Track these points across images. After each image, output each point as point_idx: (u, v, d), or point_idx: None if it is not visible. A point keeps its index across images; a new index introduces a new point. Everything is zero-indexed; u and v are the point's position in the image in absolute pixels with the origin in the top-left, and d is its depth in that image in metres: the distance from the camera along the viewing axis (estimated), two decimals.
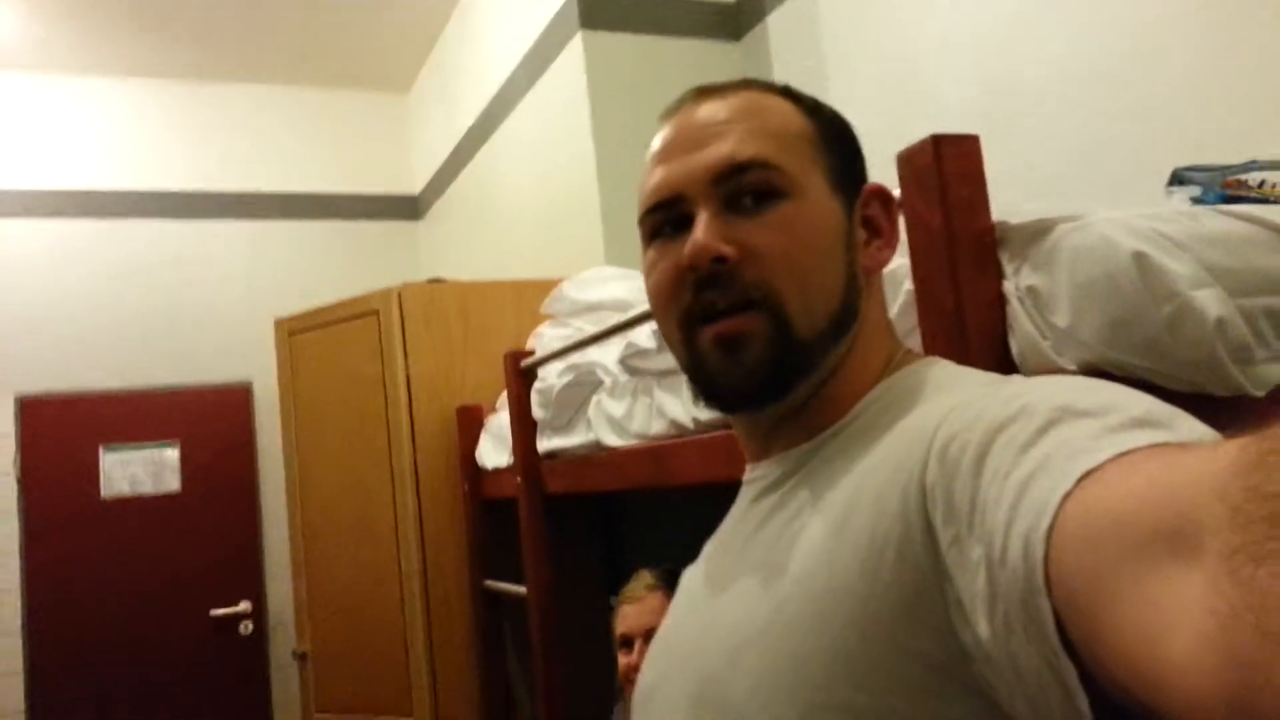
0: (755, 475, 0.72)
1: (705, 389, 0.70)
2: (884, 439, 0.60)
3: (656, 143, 0.72)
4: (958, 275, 0.95)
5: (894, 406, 0.63)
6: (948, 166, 0.96)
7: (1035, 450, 0.45)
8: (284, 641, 3.95)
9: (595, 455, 1.88)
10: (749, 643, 0.59)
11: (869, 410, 0.66)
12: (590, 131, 2.91)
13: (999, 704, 0.48)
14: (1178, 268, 0.83)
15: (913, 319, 1.02)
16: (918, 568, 0.51)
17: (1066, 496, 0.41)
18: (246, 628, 4.19)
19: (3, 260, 4.09)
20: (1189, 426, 0.45)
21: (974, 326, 0.95)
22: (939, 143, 0.96)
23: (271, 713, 4.15)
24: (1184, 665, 0.34)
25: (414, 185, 4.83)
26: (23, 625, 3.91)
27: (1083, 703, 0.41)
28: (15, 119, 4.19)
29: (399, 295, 2.68)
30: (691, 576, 0.76)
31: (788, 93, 0.73)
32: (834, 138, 0.71)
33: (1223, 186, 1.15)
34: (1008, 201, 1.00)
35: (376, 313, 2.70)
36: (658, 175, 0.70)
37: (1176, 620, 0.35)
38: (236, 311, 4.30)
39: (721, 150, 0.66)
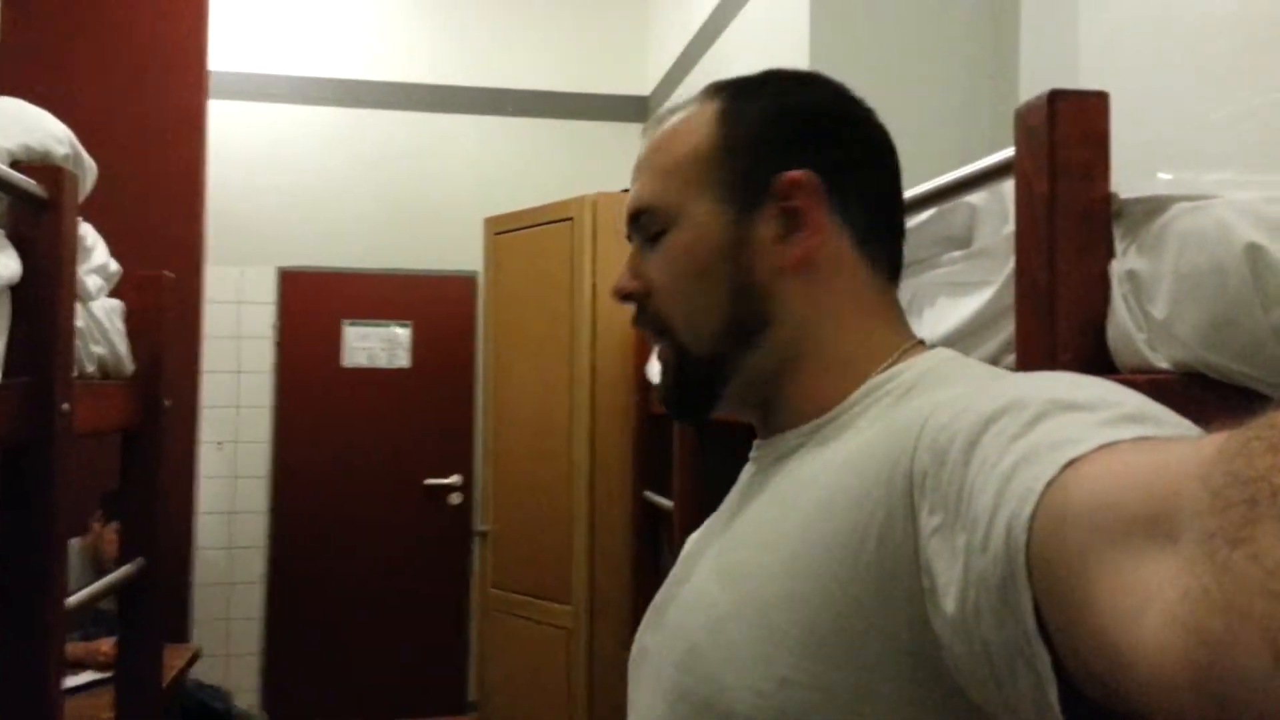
0: (757, 453, 0.72)
1: (660, 402, 0.76)
2: (876, 427, 0.61)
3: None
4: (1056, 250, 0.86)
5: (890, 396, 0.63)
6: (1063, 127, 0.87)
7: (1023, 441, 0.45)
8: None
9: None
10: (730, 616, 0.60)
11: (866, 398, 0.65)
12: (807, 49, 2.80)
13: (967, 690, 0.49)
14: None
15: (1012, 296, 0.94)
16: (897, 554, 0.52)
17: (1050, 484, 0.41)
18: (456, 499, 4.57)
19: (273, 142, 4.51)
20: (1179, 424, 0.45)
21: (1066, 309, 0.87)
22: (1055, 99, 0.86)
23: (469, 581, 4.54)
24: (1152, 645, 0.34)
25: (645, 86, 4.85)
26: (269, 471, 4.46)
27: (1052, 691, 0.41)
28: (285, 9, 4.56)
29: (594, 203, 2.74)
30: (691, 543, 0.77)
31: (727, 92, 0.71)
32: (746, 139, 0.68)
33: None
34: (1152, 171, 0.89)
35: (571, 219, 2.78)
36: None
37: (1149, 602, 0.35)
38: (468, 204, 4.54)
39: (632, 193, 0.73)
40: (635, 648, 0.73)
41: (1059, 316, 0.86)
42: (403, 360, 4.61)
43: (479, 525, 3.16)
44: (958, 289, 1.13)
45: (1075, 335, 0.86)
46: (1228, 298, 0.74)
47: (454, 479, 4.55)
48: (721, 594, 0.63)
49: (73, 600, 1.20)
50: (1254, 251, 0.73)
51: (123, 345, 1.46)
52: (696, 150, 0.69)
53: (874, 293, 0.69)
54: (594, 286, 2.73)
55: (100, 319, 1.37)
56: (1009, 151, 0.92)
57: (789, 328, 0.67)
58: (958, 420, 0.51)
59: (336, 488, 4.47)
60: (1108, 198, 0.87)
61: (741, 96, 0.70)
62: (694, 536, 0.78)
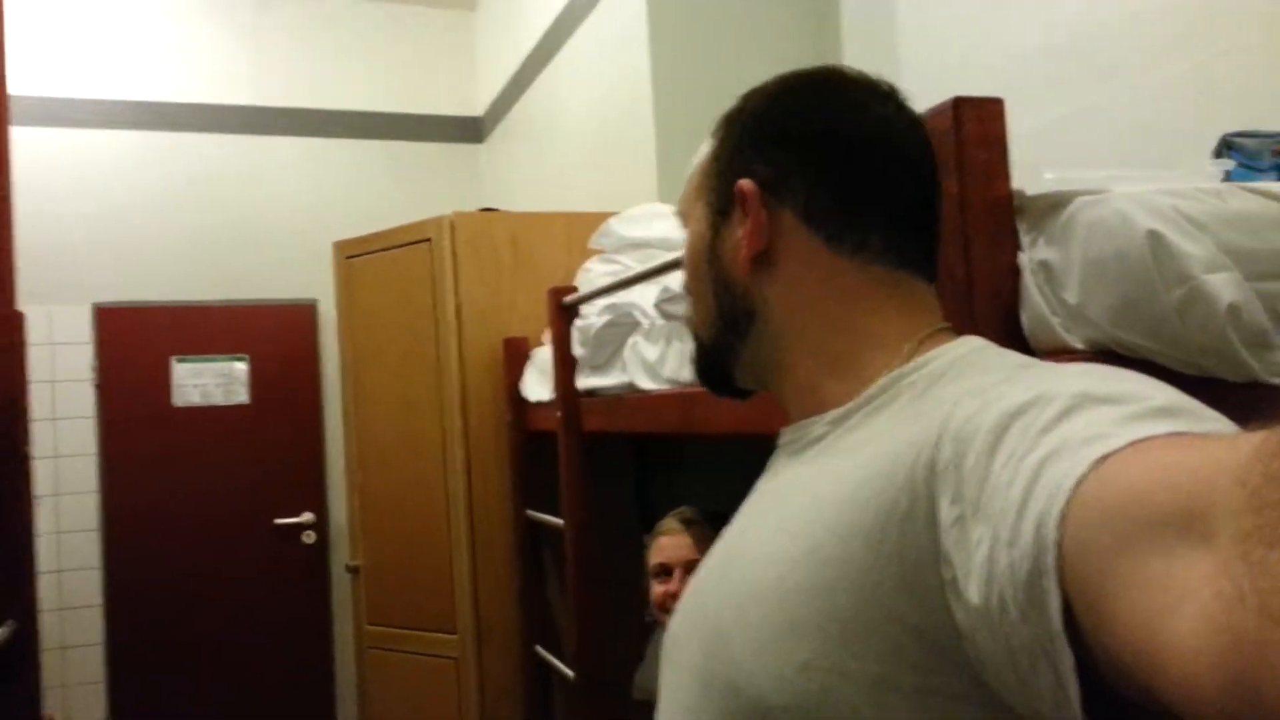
0: (786, 439, 0.74)
1: None
2: (902, 417, 0.61)
3: None
4: (970, 244, 0.93)
5: (916, 386, 0.64)
6: (967, 130, 0.93)
7: (1052, 435, 0.45)
8: (344, 553, 4.12)
9: (629, 396, 1.90)
10: (755, 600, 0.61)
11: (891, 388, 0.66)
12: (649, 63, 2.87)
13: (988, 682, 0.49)
14: (1192, 249, 0.80)
15: None
16: (918, 543, 0.52)
17: (1081, 480, 0.41)
18: (309, 537, 4.38)
19: (80, 169, 4.21)
20: (1211, 418, 0.45)
21: (983, 298, 0.93)
22: (959, 105, 0.93)
23: (332, 620, 4.36)
24: (1184, 645, 0.34)
25: (477, 107, 4.82)
26: (99, 525, 4.14)
27: (1073, 691, 0.41)
28: (90, 30, 4.27)
29: (451, 223, 2.71)
30: (727, 531, 0.78)
31: (730, 113, 0.77)
32: (726, 151, 0.75)
33: (1274, 155, 1.10)
34: (1037, 166, 0.97)
35: (429, 240, 2.73)
36: None
37: (1182, 601, 0.35)
38: (302, 230, 4.38)
39: None
40: (668, 635, 0.75)
41: (976, 305, 0.93)
42: (241, 396, 4.39)
43: (349, 560, 3.04)
44: None
45: (993, 321, 0.93)
46: (1133, 280, 0.82)
47: (306, 516, 4.36)
48: (746, 580, 0.64)
49: None
50: (1154, 238, 0.81)
51: None
52: (702, 162, 0.78)
53: (869, 283, 0.70)
54: (458, 306, 2.70)
55: None
56: None
57: (773, 321, 0.72)
58: (984, 411, 0.51)
59: (178, 536, 4.19)
60: (1010, 194, 0.94)
61: (730, 115, 0.77)
62: (730, 525, 0.78)
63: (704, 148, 0.79)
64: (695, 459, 2.55)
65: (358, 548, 3.01)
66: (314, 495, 4.40)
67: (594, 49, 3.34)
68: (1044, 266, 0.90)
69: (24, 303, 3.59)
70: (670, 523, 1.87)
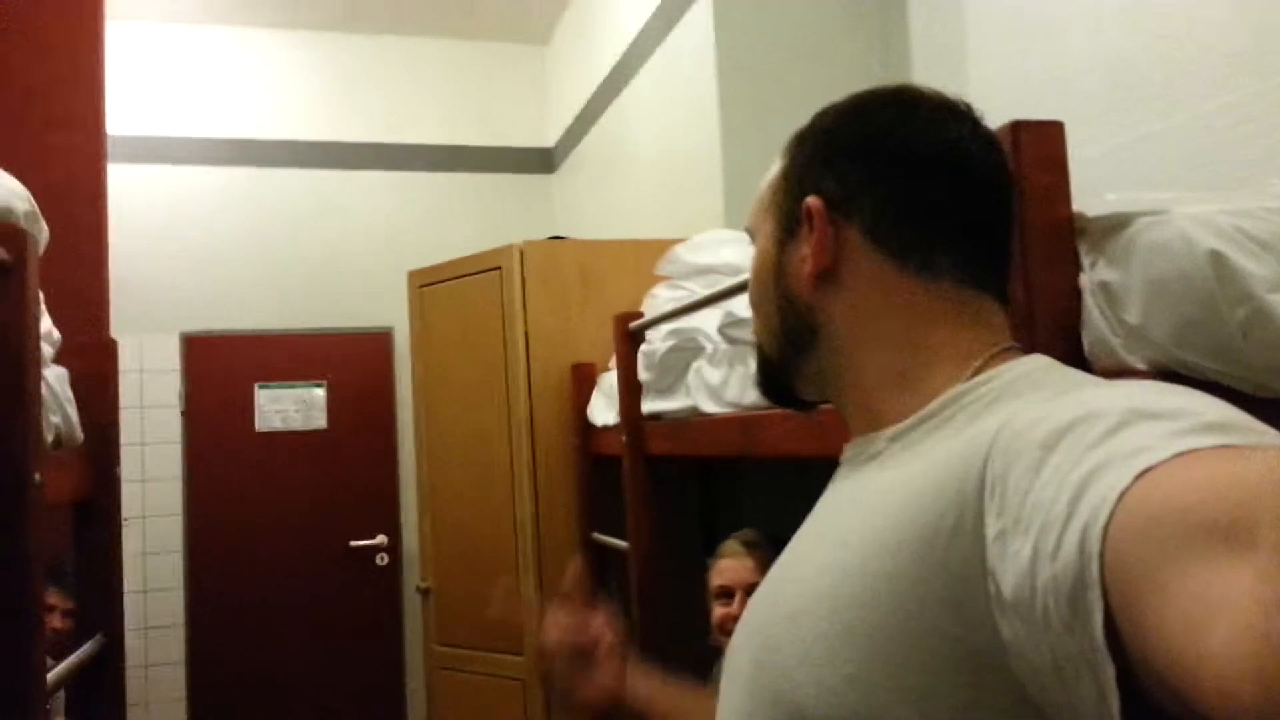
0: (847, 454, 0.75)
1: None
2: (956, 435, 0.61)
3: None
4: (1030, 266, 0.93)
5: (978, 404, 0.64)
6: (1026, 153, 0.94)
7: (1099, 450, 0.45)
8: (415, 575, 4.19)
9: (693, 420, 1.92)
10: (806, 611, 0.62)
11: (951, 406, 0.65)
12: (716, 92, 2.90)
13: (1031, 696, 0.49)
14: (1255, 268, 0.79)
15: None
16: (964, 558, 0.52)
17: (1125, 492, 0.41)
18: (382, 559, 4.46)
19: (173, 204, 4.40)
20: (1261, 433, 0.45)
21: (1044, 320, 0.93)
22: (1018, 129, 0.94)
23: (403, 641, 4.43)
24: (1222, 653, 0.34)
25: (549, 139, 4.92)
26: (184, 545, 4.28)
27: (1114, 703, 0.41)
28: (184, 70, 4.48)
29: (520, 252, 2.76)
30: (788, 546, 0.79)
31: (803, 130, 0.77)
32: (796, 169, 0.75)
33: None
34: (1099, 190, 0.97)
35: (499, 268, 2.79)
36: None
37: (1221, 610, 0.35)
38: (379, 260, 4.50)
39: None
40: (729, 648, 0.75)
41: (1037, 327, 0.93)
42: (319, 421, 4.51)
43: (419, 582, 3.09)
44: None
45: (1054, 343, 0.93)
46: (1195, 301, 0.81)
47: (379, 539, 4.45)
48: (799, 591, 0.64)
49: (51, 677, 1.15)
50: (1216, 258, 0.80)
51: (74, 413, 1.41)
52: (775, 180, 0.78)
53: (935, 300, 0.69)
54: (527, 332, 2.74)
55: (54, 387, 1.33)
56: None
57: (836, 337, 0.72)
58: (1034, 428, 0.51)
59: (257, 557, 4.31)
60: (1072, 217, 0.94)
61: (803, 133, 0.77)
62: (794, 539, 0.79)
63: (775, 166, 0.79)
64: (758, 482, 2.55)
65: (428, 570, 3.07)
66: (388, 518, 4.49)
67: (662, 79, 3.39)
68: (1104, 288, 0.90)
69: (116, 331, 3.76)
70: (732, 545, 1.88)
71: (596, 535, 2.61)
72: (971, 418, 0.62)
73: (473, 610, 2.90)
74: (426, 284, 3.05)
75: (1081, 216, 0.94)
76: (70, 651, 1.43)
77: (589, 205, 4.41)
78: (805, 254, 0.72)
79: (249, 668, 4.26)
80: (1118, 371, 0.89)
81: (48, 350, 1.35)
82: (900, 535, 0.57)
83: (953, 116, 0.72)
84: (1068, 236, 0.94)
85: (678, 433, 2.01)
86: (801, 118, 0.78)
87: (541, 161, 4.92)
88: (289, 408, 4.50)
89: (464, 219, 4.67)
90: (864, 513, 0.64)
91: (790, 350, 0.76)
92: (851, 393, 0.73)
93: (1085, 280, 0.93)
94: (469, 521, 2.91)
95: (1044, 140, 0.94)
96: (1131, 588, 0.40)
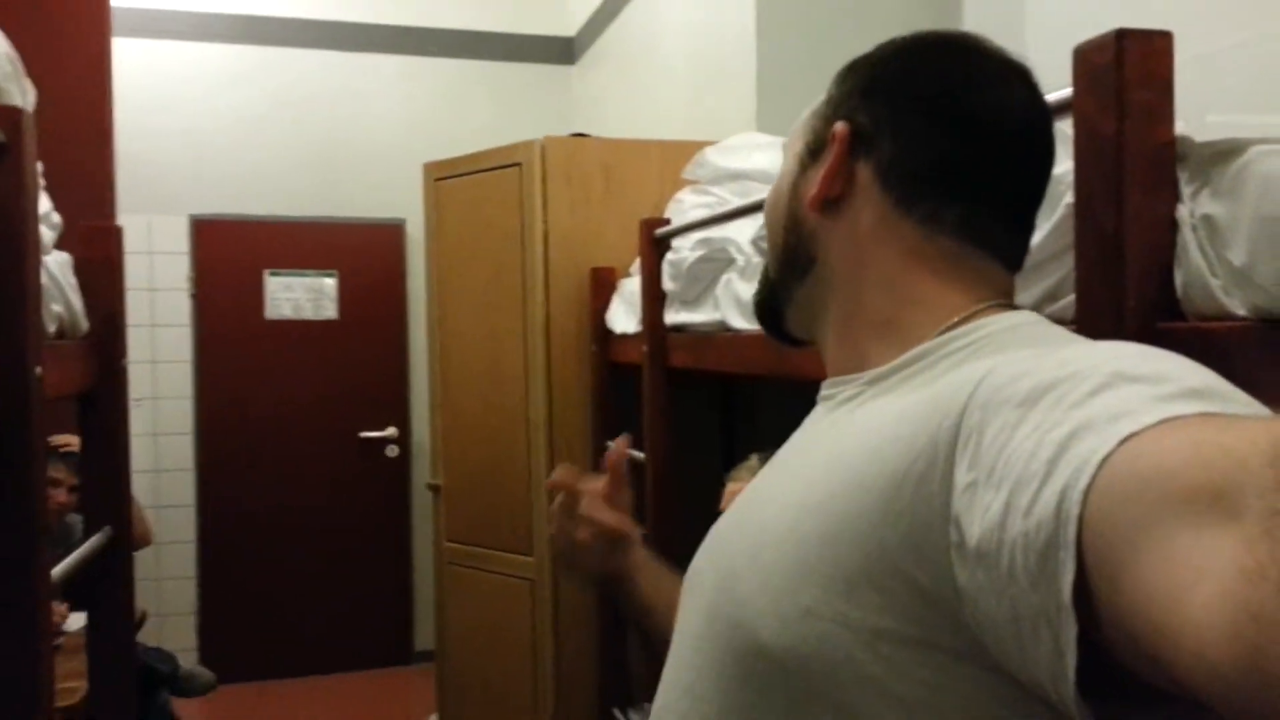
0: (823, 394, 0.75)
1: None
2: (934, 383, 0.61)
3: None
4: (1124, 193, 0.84)
5: (958, 355, 0.64)
6: (1130, 67, 0.84)
7: (1081, 410, 0.45)
8: (425, 469, 4.20)
9: (719, 335, 1.85)
10: (768, 544, 0.63)
11: (931, 354, 0.65)
12: None
13: (986, 645, 0.49)
14: None
15: (1068, 236, 0.92)
16: (929, 504, 0.52)
17: (1108, 456, 0.41)
18: (392, 451, 4.47)
19: (176, 82, 4.26)
20: (1245, 402, 0.45)
21: (1135, 253, 0.85)
22: (1122, 39, 0.84)
23: (412, 534, 4.46)
24: (1202, 619, 0.34)
25: (570, 27, 4.72)
26: (194, 427, 4.29)
27: (1070, 662, 0.42)
28: None
29: (542, 148, 2.65)
30: (760, 474, 0.79)
31: (872, 51, 0.75)
32: (835, 95, 0.75)
33: None
34: (1198, 109, 0.88)
35: (519, 164, 2.69)
36: None
37: (1203, 576, 0.35)
38: (393, 149, 4.38)
39: None
40: (690, 569, 0.76)
41: (1128, 261, 0.85)
42: (330, 311, 4.46)
43: (430, 479, 3.08)
44: None
45: (1142, 280, 0.85)
46: None
47: (390, 431, 4.44)
48: (762, 523, 0.66)
49: (56, 572, 1.11)
50: None
51: (78, 302, 1.35)
52: (817, 107, 0.77)
53: (932, 253, 0.69)
54: (546, 232, 2.66)
55: (55, 274, 1.26)
56: (1066, 91, 0.89)
57: (828, 269, 0.73)
58: (1015, 383, 0.51)
59: (267, 442, 4.33)
60: (1173, 140, 0.85)
61: (864, 55, 0.75)
62: (761, 471, 0.79)
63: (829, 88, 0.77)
64: (779, 402, 2.49)
65: (439, 467, 3.05)
66: (398, 411, 4.48)
67: None
68: (1207, 222, 0.81)
69: (123, 212, 3.68)
70: (741, 470, 1.83)
71: (608, 444, 2.57)
72: (950, 367, 0.63)
73: (483, 509, 2.89)
74: (443, 177, 2.94)
75: (1184, 141, 0.85)
76: (80, 541, 1.40)
77: (612, 101, 4.25)
78: (818, 176, 0.72)
79: (257, 551, 4.31)
80: (1213, 317, 0.81)
81: (48, 235, 1.28)
82: (868, 476, 0.57)
83: (1007, 77, 0.71)
84: (1167, 162, 0.85)
85: (702, 347, 1.94)
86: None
87: (562, 51, 4.74)
88: (300, 296, 4.44)
89: (479, 109, 4.51)
90: (834, 452, 0.64)
91: (787, 273, 0.76)
92: (835, 330, 0.73)
93: (1183, 212, 0.84)
94: (481, 421, 2.88)
95: (1150, 53, 0.84)
96: (1110, 551, 0.40)
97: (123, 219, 3.73)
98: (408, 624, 4.48)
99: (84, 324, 1.38)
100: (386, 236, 4.47)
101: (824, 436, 0.70)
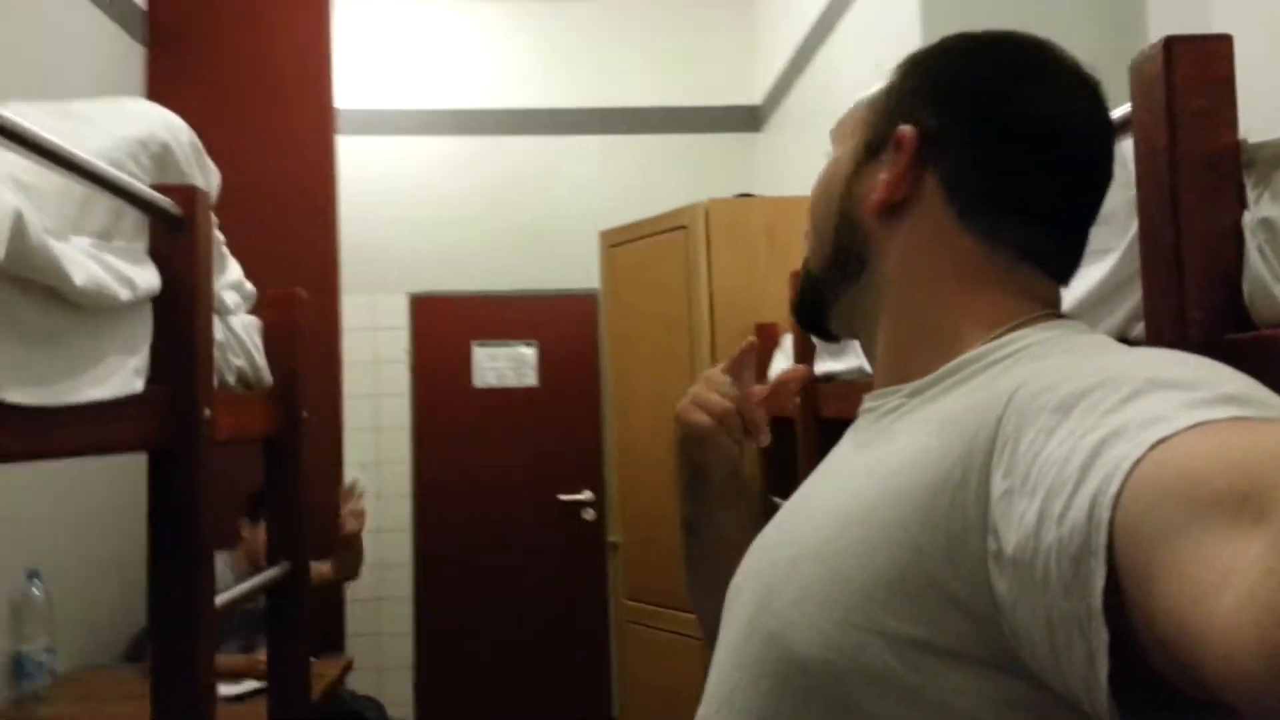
0: (866, 406, 0.74)
1: None
2: (972, 392, 0.62)
3: None
4: (1179, 203, 0.81)
5: (998, 366, 0.63)
6: (1180, 73, 0.82)
7: (1115, 417, 0.45)
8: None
9: (861, 381, 1.84)
10: (806, 555, 0.63)
11: (972, 365, 0.65)
12: (920, 40, 2.74)
13: (1021, 655, 0.49)
14: None
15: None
16: (966, 514, 0.53)
17: (1139, 462, 0.41)
18: (588, 514, 4.63)
19: (401, 173, 4.71)
20: (1278, 406, 0.45)
21: (1195, 264, 0.81)
22: (1172, 46, 0.82)
23: (608, 593, 4.58)
24: (1228, 621, 0.34)
25: (755, 96, 4.84)
26: (411, 490, 4.63)
27: (1103, 669, 0.42)
28: (406, 46, 4.76)
29: (706, 210, 2.75)
30: (798, 491, 0.79)
31: (937, 46, 0.75)
32: (897, 90, 0.73)
33: None
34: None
35: (685, 227, 2.79)
36: None
37: (1229, 579, 0.35)
38: (587, 224, 4.61)
39: None
40: (731, 584, 0.76)
41: (1187, 273, 0.81)
42: (531, 379, 4.72)
43: (611, 537, 3.18)
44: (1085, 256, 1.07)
45: (1206, 292, 0.81)
46: None
47: (586, 494, 4.61)
48: (801, 535, 0.66)
49: (221, 599, 1.26)
50: None
51: (260, 359, 1.54)
52: (874, 100, 0.76)
53: (989, 267, 0.68)
54: (711, 291, 2.73)
55: (239, 333, 1.45)
56: (1126, 108, 0.87)
57: (882, 274, 0.71)
58: (1050, 391, 0.51)
59: (476, 504, 4.60)
60: (1235, 145, 0.81)
61: (927, 50, 0.75)
62: (802, 485, 0.79)
63: (880, 83, 0.77)
64: None
65: (618, 525, 3.14)
66: (594, 474, 4.64)
67: (866, 29, 3.24)
68: (1266, 225, 0.77)
69: (350, 292, 4.09)
70: None
71: (775, 499, 2.57)
72: (992, 378, 0.62)
73: (657, 566, 2.95)
74: (616, 244, 3.09)
75: (1247, 145, 0.81)
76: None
77: (792, 163, 4.30)
78: (881, 180, 0.70)
79: (468, 608, 4.56)
80: (1278, 324, 0.77)
81: (236, 299, 1.48)
82: (906, 487, 0.57)
83: (1076, 90, 0.70)
84: (1230, 169, 0.81)
85: (850, 395, 1.94)
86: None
87: (748, 119, 4.86)
88: (504, 365, 4.73)
89: (670, 180, 4.69)
90: (874, 464, 0.64)
91: (835, 274, 0.75)
92: (882, 335, 0.72)
93: (1248, 218, 0.80)
94: (656, 480, 2.95)
95: (1204, 58, 0.81)
96: (1141, 556, 0.40)
97: (348, 298, 4.16)
98: (606, 685, 4.56)
99: (267, 378, 1.57)
100: (581, 306, 4.70)
101: (865, 448, 0.69)
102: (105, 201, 1.08)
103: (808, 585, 0.61)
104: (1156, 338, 0.85)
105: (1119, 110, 0.90)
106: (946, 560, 0.53)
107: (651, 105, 4.81)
